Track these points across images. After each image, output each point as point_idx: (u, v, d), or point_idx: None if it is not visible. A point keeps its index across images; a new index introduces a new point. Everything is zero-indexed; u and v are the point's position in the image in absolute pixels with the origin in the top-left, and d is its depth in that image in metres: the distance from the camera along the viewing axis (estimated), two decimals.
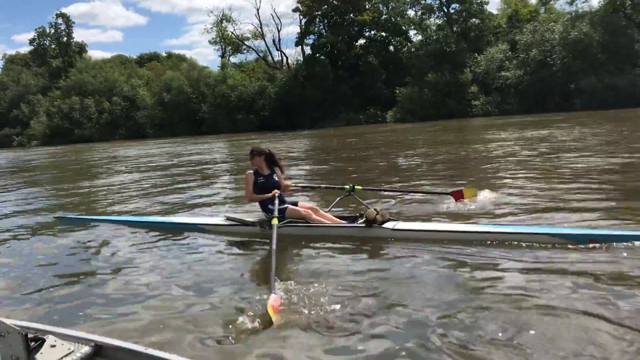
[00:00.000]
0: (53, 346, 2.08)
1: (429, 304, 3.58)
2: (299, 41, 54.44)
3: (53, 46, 78.23)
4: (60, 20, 76.70)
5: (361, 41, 52.52)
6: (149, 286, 4.41)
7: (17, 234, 7.20)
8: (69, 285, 4.64)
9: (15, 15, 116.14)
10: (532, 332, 3.05)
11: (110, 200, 10.21)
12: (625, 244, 4.41)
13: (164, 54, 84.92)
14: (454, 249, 4.77)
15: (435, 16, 49.72)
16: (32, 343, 2.04)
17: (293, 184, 6.71)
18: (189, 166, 17.45)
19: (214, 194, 10.09)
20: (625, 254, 4.28)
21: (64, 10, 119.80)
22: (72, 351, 2.08)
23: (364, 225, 5.36)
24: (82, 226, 7.01)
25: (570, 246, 4.55)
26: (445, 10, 48.34)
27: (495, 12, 48.95)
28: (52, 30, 76.66)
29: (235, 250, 5.51)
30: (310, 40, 54.11)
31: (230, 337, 3.27)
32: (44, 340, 2.09)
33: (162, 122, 58.06)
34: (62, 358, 2.04)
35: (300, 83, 51.98)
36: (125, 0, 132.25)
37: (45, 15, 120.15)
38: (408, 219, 5.96)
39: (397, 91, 45.17)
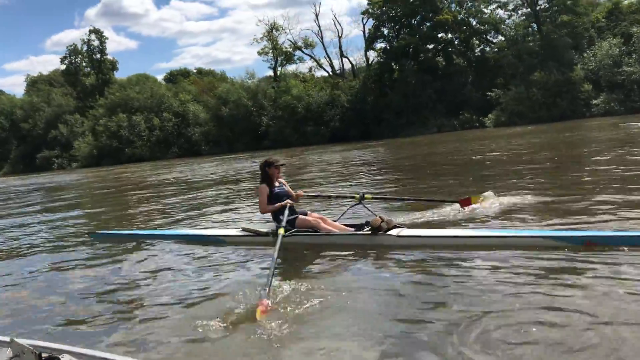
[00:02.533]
0: None
1: (434, 309, 3.61)
2: (369, 45, 50.93)
3: (84, 64, 74.53)
4: (93, 37, 73.17)
5: (439, 43, 48.71)
6: (166, 301, 4.45)
7: (31, 250, 7.51)
8: (84, 303, 4.64)
9: (4, 46, 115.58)
10: (537, 334, 3.05)
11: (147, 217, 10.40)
12: (621, 246, 4.42)
13: (194, 70, 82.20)
14: (458, 253, 4.85)
15: (520, 13, 46.44)
16: None
17: (304, 193, 6.68)
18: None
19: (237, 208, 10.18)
20: (621, 255, 4.28)
21: (55, 37, 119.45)
22: None
23: (369, 232, 5.50)
24: (105, 241, 7.29)
25: (567, 248, 4.58)
26: (533, 7, 44.81)
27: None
28: (85, 47, 73.00)
29: (250, 258, 5.64)
30: (381, 43, 50.43)
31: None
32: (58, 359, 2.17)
33: (217, 138, 54.27)
34: None
35: (374, 90, 48.35)
36: (115, 25, 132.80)
37: (35, 43, 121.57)
38: (413, 226, 6.00)
39: (493, 93, 41.53)
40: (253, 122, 52.05)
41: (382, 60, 49.42)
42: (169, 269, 5.55)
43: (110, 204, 14.64)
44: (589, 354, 2.76)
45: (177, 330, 3.70)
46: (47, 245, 8.07)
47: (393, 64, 48.50)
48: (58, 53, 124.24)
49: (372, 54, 52.75)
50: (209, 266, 5.48)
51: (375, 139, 41.71)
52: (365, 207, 6.19)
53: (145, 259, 6.12)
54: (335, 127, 48.37)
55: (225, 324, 3.63)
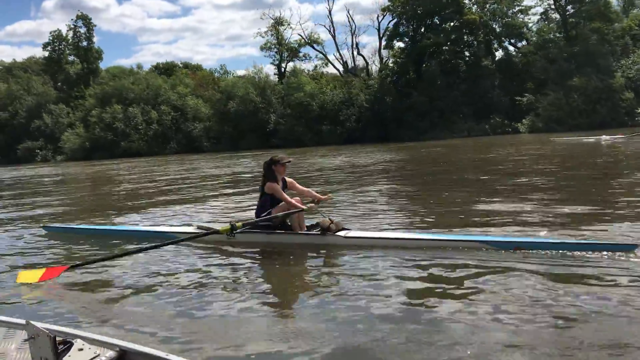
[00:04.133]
0: (80, 349, 2.18)
1: (375, 306, 3.78)
2: (388, 43, 48.66)
3: (68, 52, 69.73)
4: (80, 23, 68.53)
5: (463, 44, 46.82)
6: (139, 289, 4.53)
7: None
8: (92, 291, 4.67)
9: None
10: (463, 330, 3.20)
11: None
12: (547, 251, 4.77)
13: (180, 64, 78.36)
14: (399, 254, 5.15)
15: (546, 17, 45.09)
16: (61, 346, 2.14)
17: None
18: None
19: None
20: (544, 260, 4.63)
21: (9, 28, 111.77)
22: (98, 355, 2.16)
23: (319, 233, 5.73)
24: (60, 235, 7.38)
25: (498, 252, 4.94)
26: (561, 12, 43.44)
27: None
28: (71, 34, 68.28)
29: (200, 255, 5.79)
30: (399, 42, 48.29)
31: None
32: (71, 344, 2.19)
33: (219, 134, 51.03)
34: None
35: (392, 90, 46.11)
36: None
37: None
38: (361, 228, 6.42)
39: (525, 98, 39.82)
40: (261, 119, 49.08)
41: (402, 59, 47.20)
42: (120, 263, 5.64)
43: (83, 198, 14.39)
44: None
45: (159, 318, 3.77)
46: None
47: (414, 63, 46.41)
48: (12, 44, 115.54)
49: (385, 53, 50.69)
50: (158, 261, 5.57)
51: (395, 142, 39.49)
52: (319, 211, 6.41)
53: (93, 253, 6.15)
54: (351, 128, 45.95)
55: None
